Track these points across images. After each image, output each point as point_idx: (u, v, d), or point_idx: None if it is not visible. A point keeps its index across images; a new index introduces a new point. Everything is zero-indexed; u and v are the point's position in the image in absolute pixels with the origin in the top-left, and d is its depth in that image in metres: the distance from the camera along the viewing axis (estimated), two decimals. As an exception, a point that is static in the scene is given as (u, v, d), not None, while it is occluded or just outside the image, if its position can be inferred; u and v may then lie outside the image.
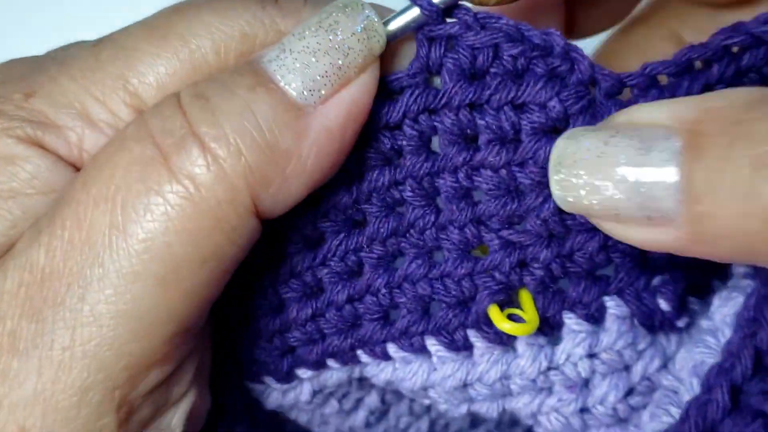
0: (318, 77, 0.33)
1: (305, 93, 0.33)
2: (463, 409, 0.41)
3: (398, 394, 0.50)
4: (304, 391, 0.44)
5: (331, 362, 0.42)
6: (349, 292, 0.39)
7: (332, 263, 0.39)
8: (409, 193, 0.38)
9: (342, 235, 0.39)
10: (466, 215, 0.38)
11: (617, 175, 0.30)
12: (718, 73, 0.37)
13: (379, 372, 0.41)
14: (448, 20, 0.36)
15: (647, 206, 0.30)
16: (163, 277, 0.32)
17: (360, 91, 0.34)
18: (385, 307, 0.40)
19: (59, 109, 0.35)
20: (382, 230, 0.38)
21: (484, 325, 0.39)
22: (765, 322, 0.35)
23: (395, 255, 0.39)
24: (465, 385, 0.40)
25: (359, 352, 0.41)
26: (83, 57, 0.35)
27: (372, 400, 0.49)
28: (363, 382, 0.48)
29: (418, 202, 0.38)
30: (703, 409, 0.36)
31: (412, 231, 0.39)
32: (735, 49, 0.37)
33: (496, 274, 0.38)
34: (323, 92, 0.33)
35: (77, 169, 0.35)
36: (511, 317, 0.38)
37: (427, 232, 0.38)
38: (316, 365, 0.42)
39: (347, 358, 0.41)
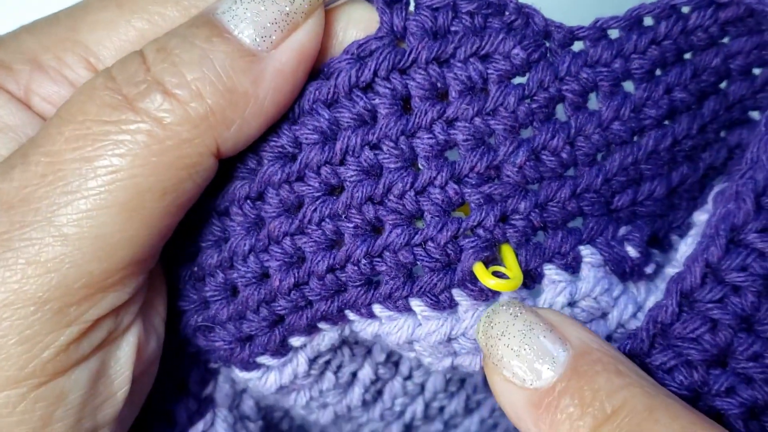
0: (268, 24, 0.36)
1: (258, 39, 0.36)
2: (447, 362, 0.42)
3: (391, 369, 0.51)
4: (300, 362, 0.45)
5: (322, 324, 0.42)
6: (329, 262, 0.40)
7: (310, 230, 0.40)
8: (385, 155, 0.39)
9: (318, 201, 0.39)
10: (446, 172, 0.39)
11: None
12: (665, 30, 0.40)
13: (366, 326, 0.42)
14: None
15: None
16: (126, 205, 0.35)
17: (308, 35, 0.37)
18: (367, 276, 0.40)
19: (14, 56, 0.40)
20: (357, 195, 0.39)
21: (469, 282, 0.40)
22: (717, 237, 0.37)
23: (373, 224, 0.40)
24: (449, 339, 0.41)
25: (347, 311, 0.42)
26: (46, 18, 0.41)
27: (366, 373, 0.49)
28: (355, 351, 0.48)
29: (394, 164, 0.39)
30: (655, 313, 0.38)
31: (390, 196, 0.39)
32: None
33: (481, 232, 0.39)
34: (274, 38, 0.36)
35: (26, 107, 0.39)
36: (496, 275, 0.39)
37: (407, 196, 0.39)
38: (308, 329, 0.42)
39: (336, 318, 0.42)
